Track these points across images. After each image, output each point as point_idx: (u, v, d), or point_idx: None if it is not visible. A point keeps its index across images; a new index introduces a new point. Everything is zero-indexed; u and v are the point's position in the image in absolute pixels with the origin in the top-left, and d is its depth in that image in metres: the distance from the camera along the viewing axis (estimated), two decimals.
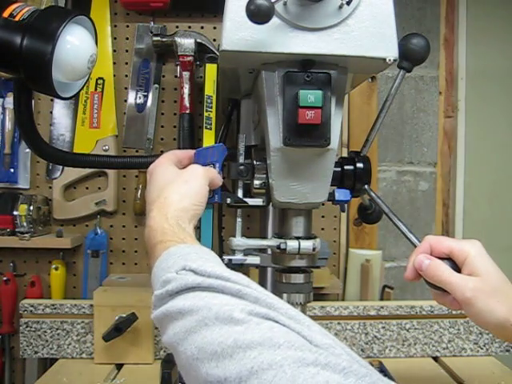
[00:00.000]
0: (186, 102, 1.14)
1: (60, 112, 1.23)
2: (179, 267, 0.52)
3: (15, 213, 1.14)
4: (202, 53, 1.15)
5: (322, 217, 1.26)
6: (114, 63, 1.23)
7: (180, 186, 0.66)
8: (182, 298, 0.49)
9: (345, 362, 0.39)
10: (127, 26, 1.23)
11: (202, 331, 0.45)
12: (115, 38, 1.23)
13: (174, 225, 0.61)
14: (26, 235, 1.13)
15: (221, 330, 0.44)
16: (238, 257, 0.82)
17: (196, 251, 0.56)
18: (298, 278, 0.78)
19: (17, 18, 0.68)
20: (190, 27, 1.22)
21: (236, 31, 0.64)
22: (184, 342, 0.46)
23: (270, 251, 0.81)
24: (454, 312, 1.01)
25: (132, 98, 1.24)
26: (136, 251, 1.25)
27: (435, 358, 1.06)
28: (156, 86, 1.23)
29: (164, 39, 1.17)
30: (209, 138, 0.88)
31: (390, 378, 0.95)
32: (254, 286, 0.49)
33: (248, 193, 0.83)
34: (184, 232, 0.60)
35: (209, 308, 0.46)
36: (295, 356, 0.40)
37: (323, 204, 0.77)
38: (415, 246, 0.73)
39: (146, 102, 1.23)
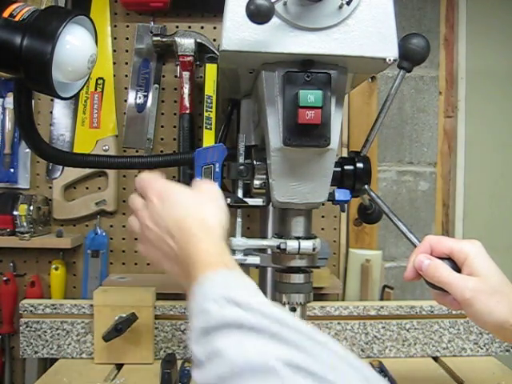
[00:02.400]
0: (186, 102, 1.14)
1: (60, 112, 1.23)
2: (220, 296, 0.48)
3: (15, 213, 1.14)
4: (202, 53, 1.15)
5: (322, 217, 1.26)
6: (114, 63, 1.23)
7: (214, 206, 0.63)
8: (220, 337, 0.45)
9: None
10: (127, 26, 1.23)
11: (236, 380, 0.42)
12: (115, 38, 1.23)
13: (219, 244, 0.58)
14: (25, 235, 1.13)
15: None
16: (237, 257, 0.82)
17: (240, 280, 0.53)
18: (298, 278, 0.78)
19: (17, 18, 0.68)
20: (190, 27, 1.22)
21: (236, 31, 0.64)
22: None
23: (269, 251, 0.81)
24: (453, 312, 1.01)
25: (132, 98, 1.24)
26: (136, 251, 1.25)
27: (435, 358, 1.06)
28: (156, 85, 1.23)
29: (164, 39, 1.17)
30: (209, 138, 0.88)
31: (390, 377, 0.95)
32: (292, 323, 0.46)
33: (248, 193, 0.83)
34: (228, 255, 0.58)
35: (244, 357, 0.43)
36: None
37: (323, 204, 0.77)
38: (415, 246, 0.73)
39: (145, 102, 1.23)
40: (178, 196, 0.62)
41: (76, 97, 1.12)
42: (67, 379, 0.95)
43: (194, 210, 0.61)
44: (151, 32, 1.19)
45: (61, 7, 1.08)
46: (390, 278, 1.30)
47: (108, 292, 1.03)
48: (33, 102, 0.86)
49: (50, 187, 1.23)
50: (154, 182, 0.65)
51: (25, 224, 1.14)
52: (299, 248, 0.75)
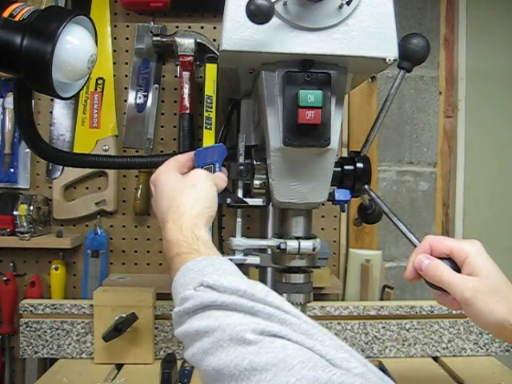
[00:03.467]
0: (186, 102, 1.14)
1: (60, 112, 1.23)
2: (197, 283, 0.53)
3: (15, 213, 1.14)
4: (202, 53, 1.15)
5: (322, 217, 1.26)
6: (114, 63, 1.23)
7: (189, 192, 0.66)
8: (199, 318, 0.50)
9: (359, 380, 0.40)
10: (127, 26, 1.23)
11: (217, 353, 0.46)
12: (115, 38, 1.23)
13: (189, 235, 0.61)
14: (26, 235, 1.13)
15: (235, 351, 0.45)
16: (238, 257, 0.82)
17: (213, 263, 0.57)
18: (298, 278, 0.78)
19: (17, 18, 0.68)
20: (190, 27, 1.22)
21: (236, 31, 0.64)
22: (202, 363, 0.47)
23: (270, 251, 0.81)
24: (453, 312, 1.01)
25: (132, 98, 1.24)
26: (136, 251, 1.25)
27: (435, 358, 1.06)
28: (156, 85, 1.23)
29: (164, 39, 1.17)
30: (209, 138, 0.88)
31: (390, 377, 0.95)
32: (270, 299, 0.50)
33: (248, 193, 0.83)
34: (199, 241, 0.61)
35: (223, 329, 0.47)
36: (309, 377, 0.40)
37: (323, 204, 0.77)
38: (415, 246, 0.73)
39: (146, 102, 1.23)
40: (164, 185, 0.68)
41: (76, 97, 1.12)
42: (67, 379, 0.95)
43: (172, 199, 0.66)
44: (151, 32, 1.19)
45: (61, 7, 1.08)
46: (389, 278, 1.30)
47: (108, 292, 1.03)
48: (33, 101, 0.86)
49: (50, 187, 1.23)
50: (158, 170, 0.71)
51: (25, 224, 1.14)
52: (299, 248, 0.75)
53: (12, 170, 1.22)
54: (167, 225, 0.63)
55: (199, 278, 0.53)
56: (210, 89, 0.89)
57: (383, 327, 1.04)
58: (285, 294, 0.78)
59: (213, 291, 0.51)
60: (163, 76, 1.24)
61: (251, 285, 0.51)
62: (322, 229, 1.26)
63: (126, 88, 1.24)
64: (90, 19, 0.75)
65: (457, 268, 0.66)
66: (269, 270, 1.08)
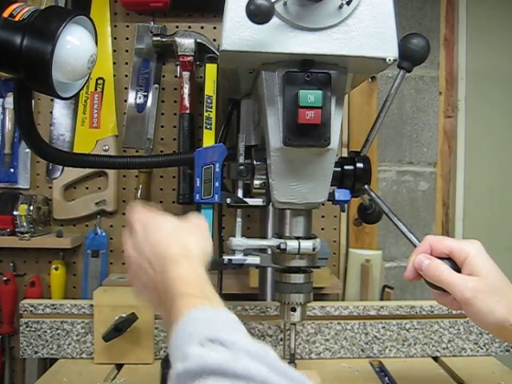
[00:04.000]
0: (186, 102, 1.14)
1: (60, 112, 1.23)
2: (204, 337, 0.46)
3: (15, 213, 1.14)
4: (202, 53, 1.15)
5: (322, 217, 1.26)
6: (114, 63, 1.22)
7: (194, 232, 0.63)
8: None
9: None
10: (127, 26, 1.23)
11: None
12: (115, 38, 1.23)
13: (201, 275, 0.56)
14: (26, 235, 1.13)
15: None
16: (237, 257, 0.82)
17: (223, 317, 0.51)
18: (298, 278, 0.78)
19: (17, 18, 0.68)
20: (190, 27, 1.22)
21: (236, 31, 0.64)
22: None
23: (270, 251, 0.81)
24: (454, 312, 1.00)
25: (132, 98, 1.24)
26: None
27: (435, 358, 1.06)
28: (156, 85, 1.23)
29: (164, 39, 1.17)
30: (209, 138, 0.88)
31: (390, 378, 0.95)
32: (284, 368, 0.43)
33: (248, 193, 0.83)
34: (207, 285, 0.56)
35: None
36: None
37: (323, 204, 0.77)
38: (415, 246, 0.73)
39: (146, 102, 1.23)
40: (161, 223, 0.63)
41: (76, 97, 1.12)
42: (67, 379, 0.95)
43: (175, 237, 0.60)
44: (151, 32, 1.19)
45: (61, 7, 1.08)
46: (389, 278, 1.30)
47: (108, 292, 1.03)
48: (33, 101, 0.86)
49: (50, 187, 1.23)
50: (139, 211, 0.65)
51: (25, 224, 1.14)
52: (299, 248, 0.75)
53: (12, 170, 1.22)
54: (177, 259, 0.57)
55: (207, 331, 0.47)
56: (210, 89, 0.89)
57: (383, 327, 1.04)
58: (285, 294, 0.79)
59: (220, 347, 0.45)
60: (163, 76, 1.24)
61: (260, 347, 0.46)
62: (322, 229, 1.26)
63: (126, 88, 1.24)
64: (90, 19, 0.75)
65: (457, 268, 0.66)
66: (269, 269, 1.08)
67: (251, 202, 0.83)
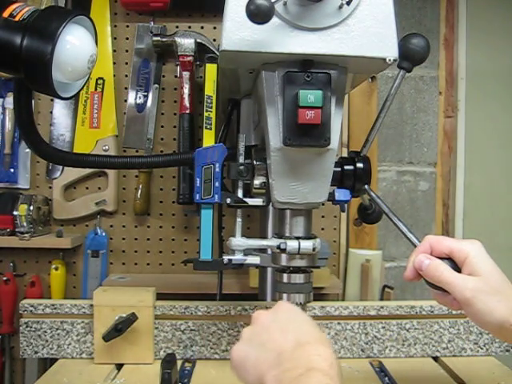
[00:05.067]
0: (186, 102, 1.14)
1: (60, 112, 1.23)
2: None
3: (15, 213, 1.14)
4: (202, 53, 1.15)
5: (322, 217, 1.26)
6: (114, 63, 1.23)
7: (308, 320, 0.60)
8: None
9: None
10: (127, 26, 1.23)
11: None
12: (115, 38, 1.23)
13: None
14: (26, 235, 1.13)
15: None
16: (238, 257, 0.82)
17: None
18: (298, 278, 0.78)
19: (17, 18, 0.68)
20: (190, 27, 1.22)
21: (236, 31, 0.64)
22: None
23: (270, 251, 0.81)
24: (454, 312, 1.00)
25: (132, 98, 1.24)
26: (136, 251, 1.25)
27: (435, 358, 1.05)
28: (156, 85, 1.23)
29: (164, 39, 1.17)
30: (209, 138, 0.88)
31: (390, 378, 0.95)
32: None
33: (248, 193, 0.83)
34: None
35: None
36: None
37: (323, 204, 0.77)
38: (415, 246, 0.73)
39: (146, 102, 1.23)
40: (303, 316, 0.60)
41: (76, 97, 1.12)
42: (67, 379, 0.95)
43: (312, 325, 0.57)
44: (151, 32, 1.19)
45: (61, 7, 1.08)
46: (389, 278, 1.30)
47: (108, 292, 1.03)
48: (33, 101, 0.86)
49: (50, 187, 1.23)
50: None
51: (25, 224, 1.14)
52: (299, 248, 0.75)
53: (12, 170, 1.22)
54: (316, 347, 0.52)
55: None
56: (210, 89, 0.89)
57: (383, 327, 1.04)
58: (285, 294, 0.79)
59: None
60: (163, 76, 1.24)
61: None
62: (322, 229, 1.26)
63: (126, 88, 1.24)
64: (90, 19, 0.75)
65: (457, 268, 0.66)
66: (269, 269, 1.08)
67: (251, 201, 0.83)
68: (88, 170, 1.21)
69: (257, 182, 0.80)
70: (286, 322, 0.58)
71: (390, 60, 0.66)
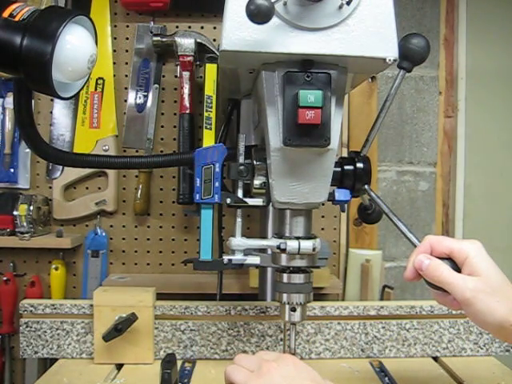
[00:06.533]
0: (186, 102, 1.14)
1: (60, 112, 1.23)
2: None
3: (15, 213, 1.14)
4: (202, 53, 1.15)
5: (322, 217, 1.26)
6: (114, 63, 1.23)
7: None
8: None
9: None
10: (127, 26, 1.23)
11: None
12: (115, 38, 1.23)
13: None
14: (26, 235, 1.14)
15: None
16: (238, 257, 0.82)
17: None
18: (298, 278, 0.78)
19: (17, 18, 0.68)
20: (190, 27, 1.22)
21: (236, 31, 0.64)
22: None
23: (270, 251, 0.81)
24: (454, 312, 1.00)
25: (132, 98, 1.24)
26: (136, 251, 1.25)
27: (435, 358, 1.05)
28: (156, 85, 1.23)
29: (164, 39, 1.17)
30: (209, 138, 0.88)
31: (390, 378, 0.95)
32: None
33: (248, 193, 0.83)
34: None
35: None
36: None
37: (323, 204, 0.77)
38: (415, 246, 0.73)
39: (146, 102, 1.23)
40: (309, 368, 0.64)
41: (76, 97, 1.12)
42: (67, 379, 0.95)
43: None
44: (151, 32, 1.19)
45: (61, 7, 1.08)
46: (389, 278, 1.30)
47: (108, 292, 1.03)
48: (33, 101, 0.86)
49: (50, 187, 1.23)
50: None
51: (25, 224, 1.14)
52: (299, 248, 0.75)
53: (12, 170, 1.22)
54: None
55: None
56: (210, 89, 0.89)
57: (383, 327, 1.04)
58: (285, 294, 0.79)
59: None
60: (163, 76, 1.24)
61: None
62: (322, 229, 1.26)
63: (126, 88, 1.24)
64: (90, 19, 0.75)
65: (457, 268, 0.66)
66: (269, 269, 1.08)
67: (251, 201, 0.83)
68: (88, 170, 1.21)
69: (257, 182, 0.81)
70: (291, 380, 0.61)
71: (390, 60, 0.66)
